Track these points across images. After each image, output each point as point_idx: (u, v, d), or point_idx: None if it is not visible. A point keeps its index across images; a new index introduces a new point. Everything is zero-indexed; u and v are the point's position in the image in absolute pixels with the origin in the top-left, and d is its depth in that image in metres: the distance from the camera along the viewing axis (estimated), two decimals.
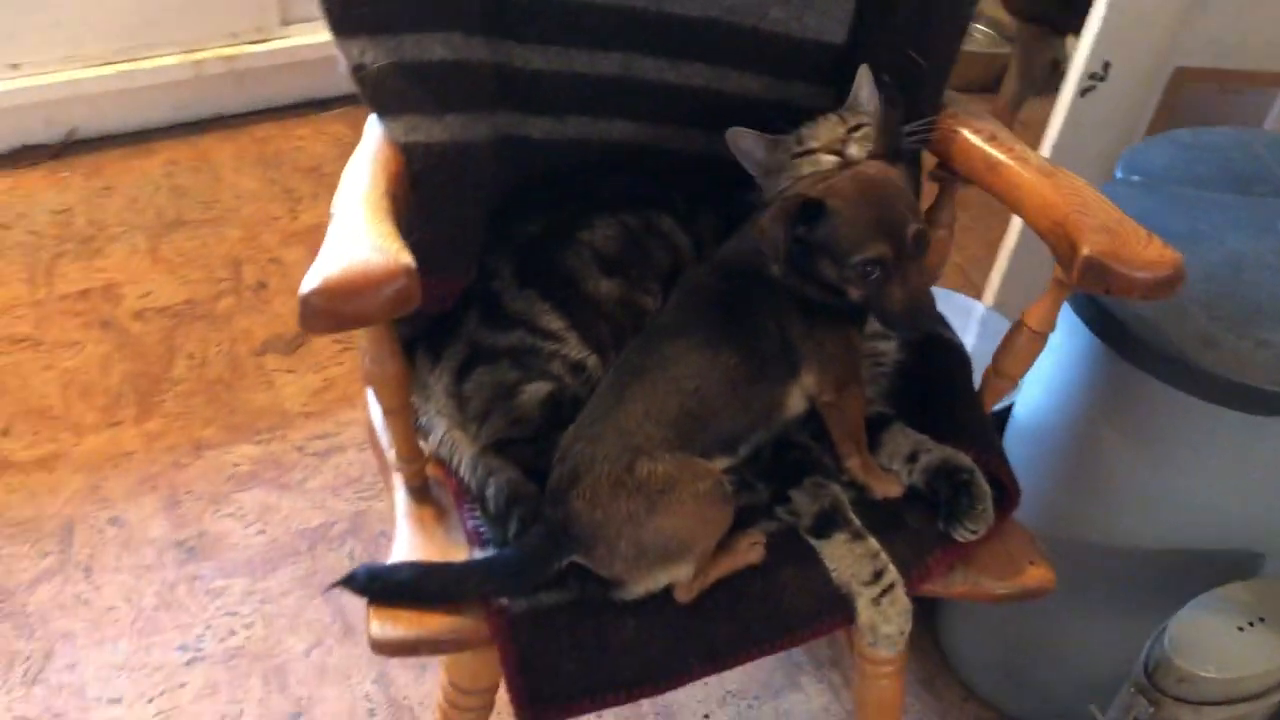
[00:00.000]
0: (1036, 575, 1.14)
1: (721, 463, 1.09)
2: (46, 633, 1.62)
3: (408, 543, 1.10)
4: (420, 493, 1.14)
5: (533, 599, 1.04)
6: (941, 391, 1.23)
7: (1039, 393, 1.44)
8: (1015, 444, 1.50)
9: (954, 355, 1.24)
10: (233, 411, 1.95)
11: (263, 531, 1.78)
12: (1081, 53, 1.94)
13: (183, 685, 1.59)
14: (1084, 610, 1.45)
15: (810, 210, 1.05)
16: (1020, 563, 1.15)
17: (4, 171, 2.39)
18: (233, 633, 1.65)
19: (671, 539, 1.01)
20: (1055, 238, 1.07)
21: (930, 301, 1.07)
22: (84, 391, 1.96)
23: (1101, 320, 1.26)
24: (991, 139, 1.17)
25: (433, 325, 1.15)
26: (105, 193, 2.37)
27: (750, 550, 1.09)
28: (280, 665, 1.62)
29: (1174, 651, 1.22)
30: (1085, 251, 1.02)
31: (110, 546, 1.74)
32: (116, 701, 1.56)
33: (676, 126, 1.29)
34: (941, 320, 1.28)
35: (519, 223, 1.19)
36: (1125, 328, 1.23)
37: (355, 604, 1.69)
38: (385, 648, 1.02)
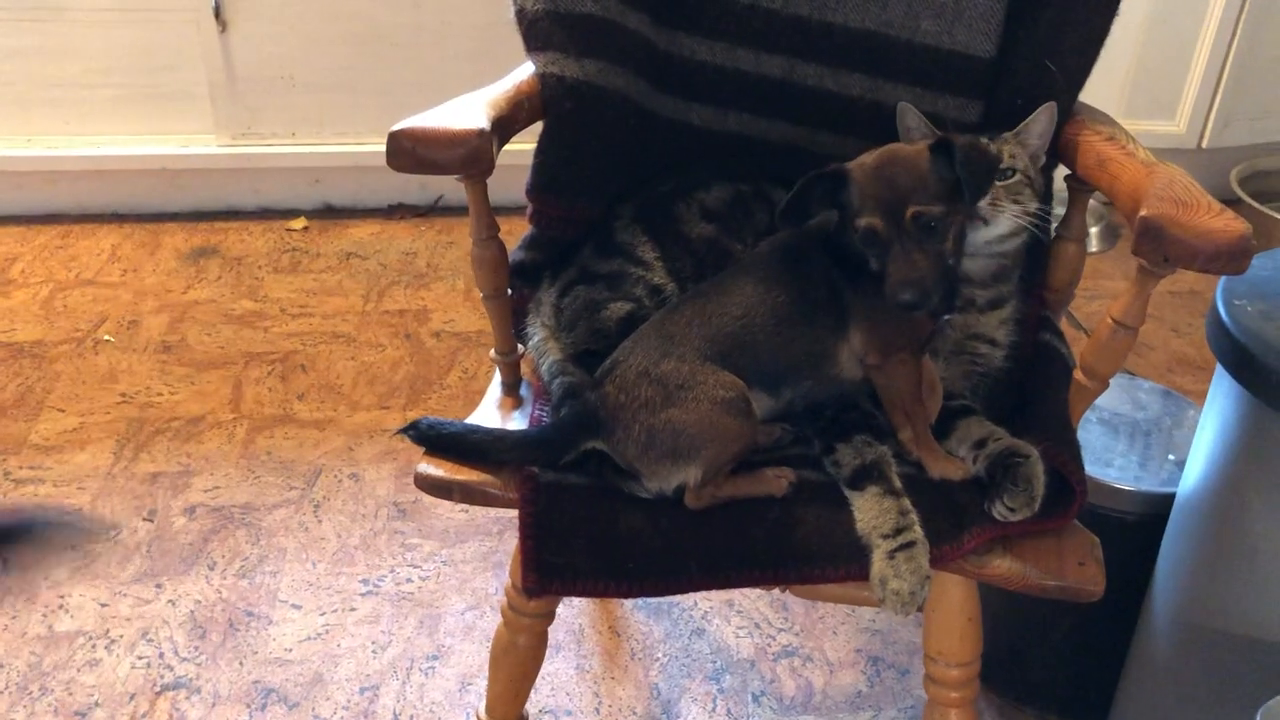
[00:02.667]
0: (1082, 575, 1.07)
1: (763, 401, 1.13)
2: (269, 544, 1.89)
3: (478, 417, 1.23)
4: (511, 387, 1.27)
5: (560, 475, 1.13)
6: (1034, 394, 1.19)
7: (1195, 471, 1.33)
8: (1174, 529, 1.38)
9: (1056, 364, 1.21)
10: None
11: (465, 511, 1.97)
12: None
13: (353, 610, 1.77)
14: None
15: (837, 179, 1.11)
16: (1068, 560, 1.08)
17: (378, 220, 2.87)
18: (409, 580, 1.83)
19: (681, 434, 1.07)
20: (1131, 214, 1.04)
21: (921, 285, 1.05)
22: (371, 380, 2.28)
23: (1234, 351, 1.17)
24: (1109, 140, 1.17)
25: (560, 254, 1.30)
26: (448, 245, 2.77)
27: (773, 481, 1.11)
28: (437, 615, 1.77)
29: None
30: (1142, 212, 0.99)
31: (342, 494, 2.00)
32: (297, 608, 1.77)
33: (832, 133, 1.38)
34: (1056, 331, 1.25)
35: (655, 182, 1.32)
36: (1254, 358, 1.13)
37: None
38: (424, 482, 1.14)
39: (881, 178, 1.08)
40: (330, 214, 2.89)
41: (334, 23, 2.64)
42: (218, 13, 2.56)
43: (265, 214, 2.87)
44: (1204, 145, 2.90)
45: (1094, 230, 2.81)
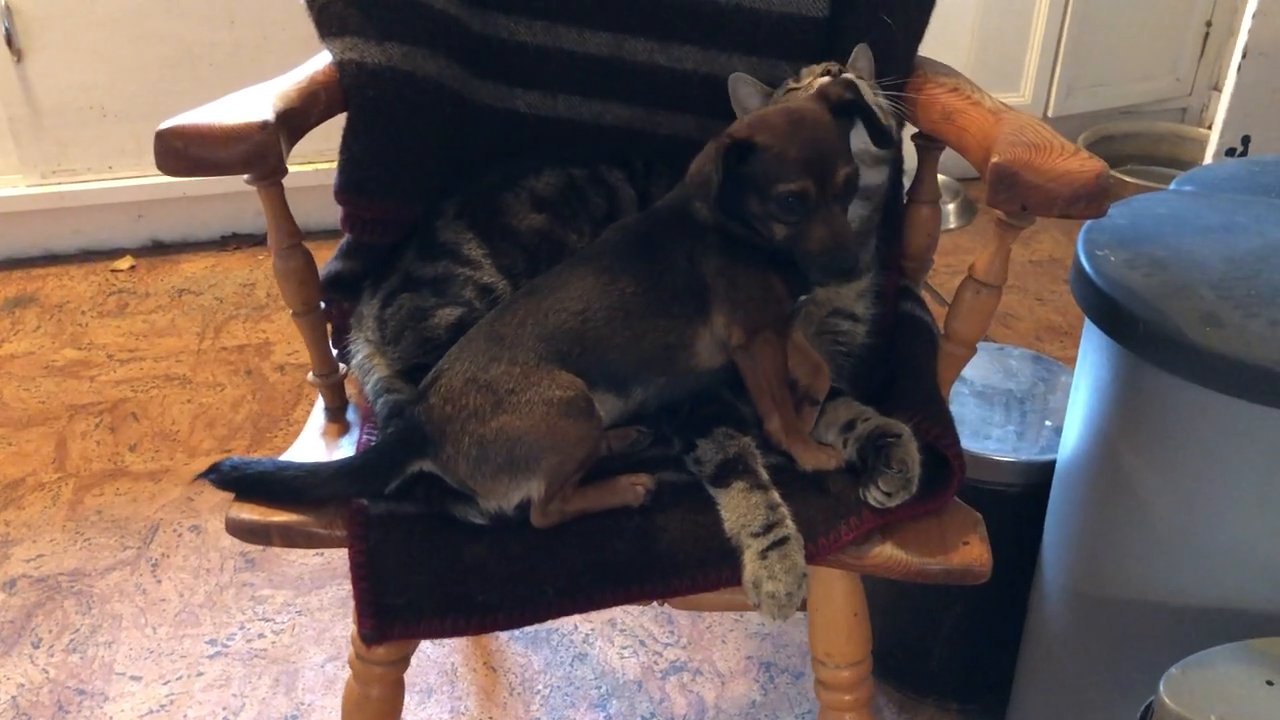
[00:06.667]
0: (968, 555, 0.99)
1: (610, 403, 1.03)
2: (101, 612, 1.71)
3: (300, 449, 1.10)
4: (335, 412, 1.15)
5: (393, 505, 1.01)
6: (901, 368, 1.11)
7: (1073, 433, 1.27)
8: (1057, 495, 1.32)
9: (921, 334, 1.13)
10: None
11: (320, 554, 1.82)
12: (1215, 131, 1.80)
13: (200, 674, 1.61)
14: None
15: (742, 149, 1.00)
16: (951, 541, 1.00)
17: (211, 252, 2.69)
18: (261, 636, 1.67)
19: (516, 443, 0.96)
20: (983, 164, 0.97)
21: (851, 247, 1.00)
22: (210, 423, 2.11)
23: (1100, 303, 1.11)
24: (954, 91, 1.10)
25: (380, 261, 1.18)
26: None
27: (629, 489, 1.01)
28: (294, 671, 1.62)
29: (1171, 695, 1.00)
30: (994, 159, 0.92)
31: (183, 549, 1.83)
32: (137, 679, 1.60)
33: (668, 111, 1.29)
34: (918, 300, 1.18)
35: (481, 174, 1.21)
36: (1120, 307, 1.08)
37: None
38: (238, 528, 1.01)
39: (804, 140, 0.98)
40: (159, 250, 2.70)
41: (143, 45, 2.46)
42: (10, 40, 2.36)
43: (87, 256, 2.67)
44: (1049, 114, 2.92)
45: (951, 207, 2.79)
